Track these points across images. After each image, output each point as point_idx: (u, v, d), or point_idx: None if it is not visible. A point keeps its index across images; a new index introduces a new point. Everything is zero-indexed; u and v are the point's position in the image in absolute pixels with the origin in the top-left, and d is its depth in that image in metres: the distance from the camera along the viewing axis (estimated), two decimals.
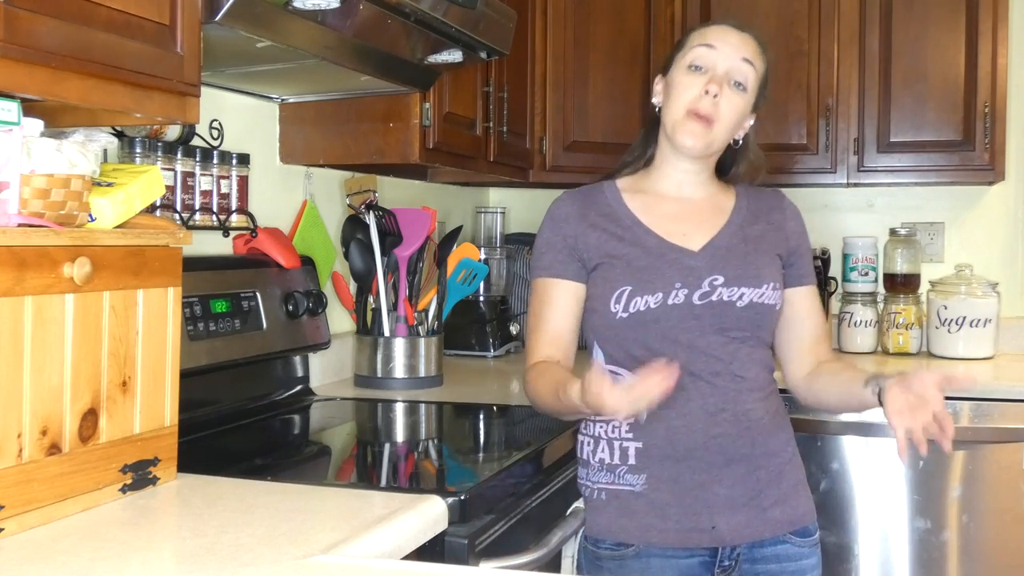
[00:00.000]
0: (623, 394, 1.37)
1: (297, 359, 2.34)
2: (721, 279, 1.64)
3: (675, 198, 1.74)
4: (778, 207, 1.78)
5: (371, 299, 2.54)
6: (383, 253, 2.50)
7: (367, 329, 2.54)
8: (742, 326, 1.65)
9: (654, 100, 1.76)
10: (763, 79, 1.72)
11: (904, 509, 2.77)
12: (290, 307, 2.22)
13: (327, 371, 2.54)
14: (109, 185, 1.42)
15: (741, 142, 1.76)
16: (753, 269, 1.67)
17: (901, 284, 3.32)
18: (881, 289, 3.38)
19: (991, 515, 2.73)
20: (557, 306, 1.70)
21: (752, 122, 1.75)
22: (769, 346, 1.73)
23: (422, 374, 2.54)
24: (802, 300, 1.76)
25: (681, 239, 1.68)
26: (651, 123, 1.77)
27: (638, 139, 1.80)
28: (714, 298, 1.63)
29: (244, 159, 2.16)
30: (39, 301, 1.26)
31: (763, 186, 1.82)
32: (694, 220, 1.71)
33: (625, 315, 1.62)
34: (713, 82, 1.66)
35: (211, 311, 1.98)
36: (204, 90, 1.50)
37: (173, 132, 1.96)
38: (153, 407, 1.46)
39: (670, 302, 1.62)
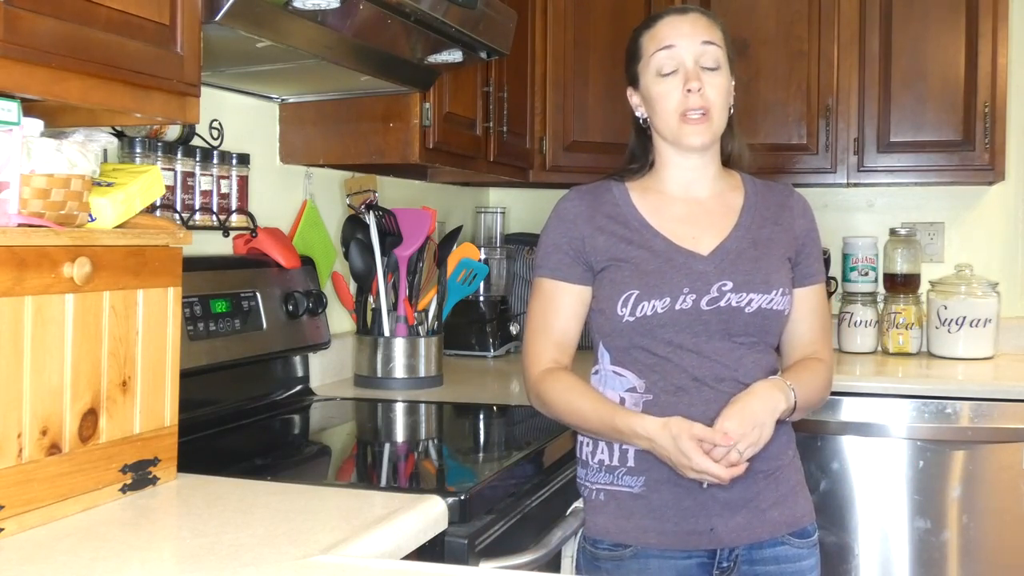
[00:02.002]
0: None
1: (297, 359, 2.34)
2: (730, 284, 1.63)
3: (684, 199, 1.72)
4: (786, 204, 1.76)
5: (371, 299, 2.54)
6: (383, 253, 2.50)
7: (367, 329, 2.54)
8: (749, 332, 1.64)
9: (637, 113, 1.75)
10: (727, 46, 1.71)
11: (904, 509, 2.77)
12: (290, 307, 2.22)
13: (327, 371, 2.54)
14: (109, 185, 1.42)
15: (732, 110, 1.74)
16: (762, 275, 1.65)
17: (901, 284, 3.32)
18: (881, 289, 3.38)
19: (991, 515, 2.73)
20: (562, 309, 1.70)
21: (732, 84, 1.73)
22: (775, 348, 1.72)
23: (422, 374, 2.54)
24: (806, 299, 1.74)
25: (690, 242, 1.67)
26: (639, 132, 1.77)
27: (633, 149, 1.78)
28: (722, 304, 1.62)
29: (244, 159, 2.16)
30: (39, 301, 1.26)
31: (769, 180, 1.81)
32: (703, 222, 1.70)
33: (632, 319, 1.62)
34: (690, 79, 1.65)
35: (211, 311, 1.98)
36: (204, 90, 1.50)
37: (173, 132, 1.96)
38: (153, 407, 1.46)
39: (678, 307, 1.61)
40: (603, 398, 1.65)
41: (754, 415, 1.56)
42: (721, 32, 1.71)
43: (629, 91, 1.76)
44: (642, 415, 1.60)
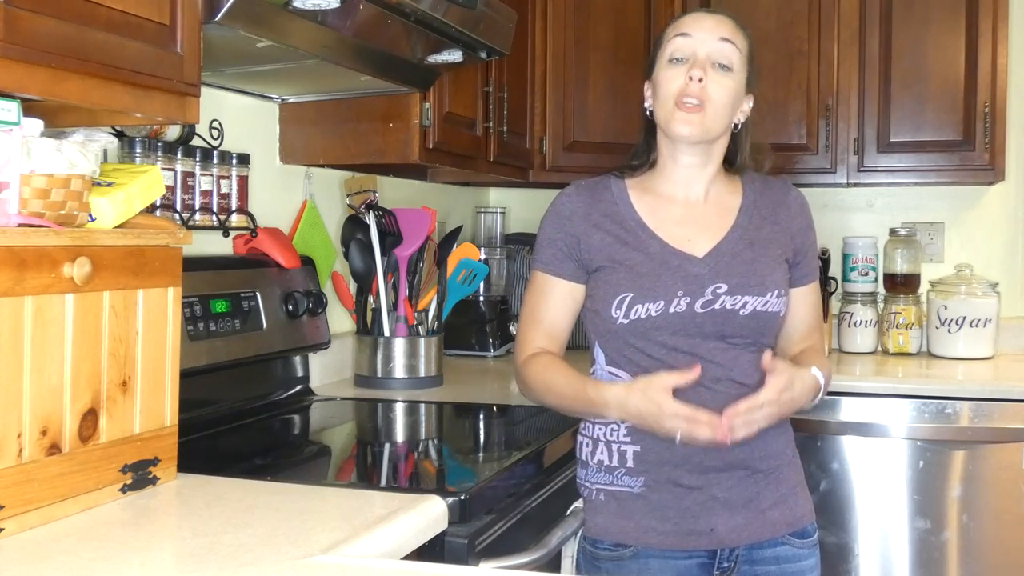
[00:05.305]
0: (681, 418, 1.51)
1: (297, 359, 2.34)
2: (724, 287, 1.62)
3: (682, 200, 1.71)
4: (784, 202, 1.75)
5: (371, 299, 2.54)
6: (383, 253, 2.50)
7: (367, 329, 2.54)
8: (744, 333, 1.63)
9: (645, 104, 1.74)
10: (749, 56, 1.70)
11: (904, 509, 2.77)
12: (290, 307, 2.22)
13: (327, 371, 2.54)
14: (109, 185, 1.42)
15: (741, 127, 1.73)
16: (757, 277, 1.64)
17: (901, 284, 3.32)
18: (881, 289, 3.38)
19: (991, 515, 2.73)
20: (553, 303, 1.71)
21: (750, 104, 1.73)
22: (771, 348, 1.72)
23: (422, 374, 2.54)
24: (801, 299, 1.74)
25: (686, 245, 1.66)
26: (648, 128, 1.76)
27: (639, 144, 1.78)
28: (716, 306, 1.61)
29: (244, 159, 2.16)
30: (39, 301, 1.26)
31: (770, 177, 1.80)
32: (699, 224, 1.69)
33: (626, 322, 1.62)
34: (695, 67, 1.63)
35: (211, 311, 1.98)
36: (204, 90, 1.50)
37: (173, 132, 1.96)
38: (153, 407, 1.46)
39: (672, 310, 1.61)
40: (578, 374, 1.66)
41: (793, 388, 1.56)
42: (746, 42, 1.69)
43: (645, 84, 1.76)
44: (611, 383, 1.61)
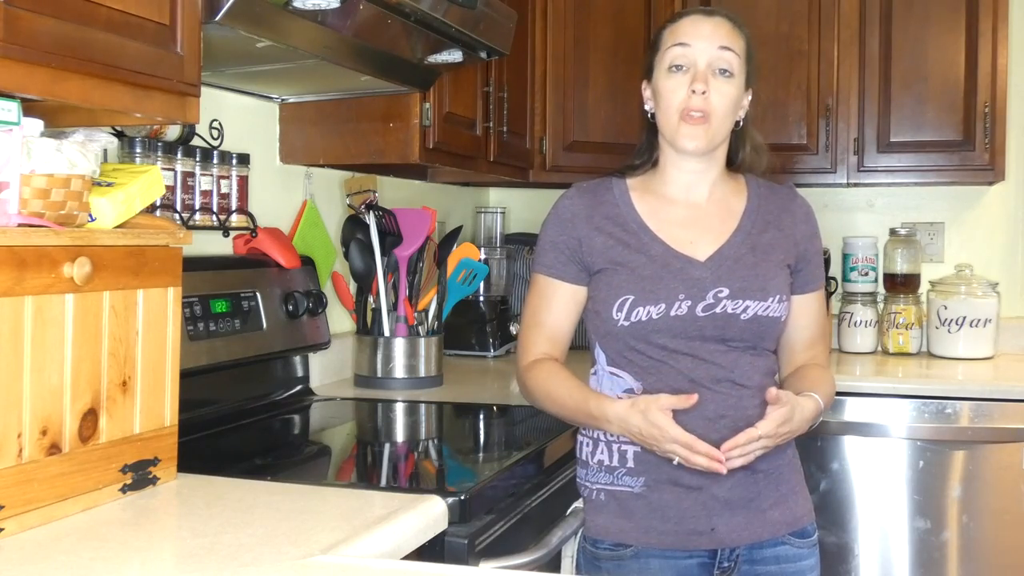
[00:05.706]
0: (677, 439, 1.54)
1: (297, 359, 2.34)
2: (726, 291, 1.62)
3: (684, 202, 1.72)
4: (788, 209, 1.75)
5: (371, 299, 2.54)
6: (383, 253, 2.50)
7: (367, 329, 2.54)
8: (745, 337, 1.63)
9: (646, 107, 1.75)
10: (747, 55, 1.70)
11: (904, 509, 2.77)
12: (290, 307, 2.22)
13: (327, 371, 2.54)
14: (109, 185, 1.42)
15: (741, 124, 1.73)
16: (760, 282, 1.64)
17: (901, 284, 3.32)
18: (881, 289, 3.38)
19: (991, 515, 2.73)
20: (555, 306, 1.71)
21: (749, 98, 1.73)
22: (773, 352, 1.72)
23: (422, 374, 2.54)
24: (804, 306, 1.74)
25: (688, 247, 1.66)
26: (649, 127, 1.76)
27: (641, 144, 1.78)
28: (718, 310, 1.61)
29: (244, 159, 2.16)
30: (39, 301, 1.26)
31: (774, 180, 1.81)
32: (702, 227, 1.69)
33: (627, 324, 1.62)
34: (697, 80, 1.64)
35: (211, 311, 1.98)
36: (204, 90, 1.50)
37: (173, 132, 1.96)
38: (153, 407, 1.46)
39: (673, 313, 1.61)
40: (580, 385, 1.67)
41: (792, 421, 1.58)
42: (744, 42, 1.69)
43: (643, 84, 1.76)
44: (613, 399, 1.62)
